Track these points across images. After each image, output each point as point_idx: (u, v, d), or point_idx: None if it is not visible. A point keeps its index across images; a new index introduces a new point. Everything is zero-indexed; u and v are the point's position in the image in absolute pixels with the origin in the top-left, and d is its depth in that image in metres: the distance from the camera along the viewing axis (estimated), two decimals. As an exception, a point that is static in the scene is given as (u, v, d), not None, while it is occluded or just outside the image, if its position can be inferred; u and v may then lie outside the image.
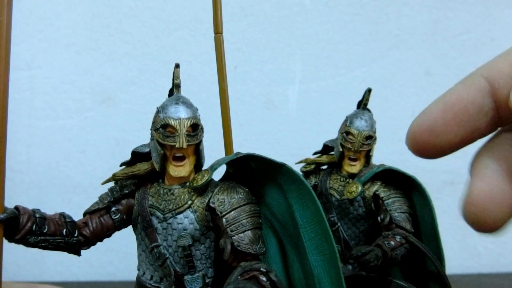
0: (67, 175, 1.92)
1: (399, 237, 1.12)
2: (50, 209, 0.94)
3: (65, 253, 0.93)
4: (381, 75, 2.01)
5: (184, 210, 0.90)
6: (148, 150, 0.94)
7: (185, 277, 0.89)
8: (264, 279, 0.80)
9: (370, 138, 1.22)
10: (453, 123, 0.34)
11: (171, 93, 0.95)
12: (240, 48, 1.94)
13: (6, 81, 0.81)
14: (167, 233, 0.90)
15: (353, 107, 1.29)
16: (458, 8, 2.00)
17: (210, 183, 0.92)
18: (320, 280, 0.89)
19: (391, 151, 2.00)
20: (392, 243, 1.11)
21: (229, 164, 0.98)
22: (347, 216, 1.25)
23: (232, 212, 0.87)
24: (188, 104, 0.91)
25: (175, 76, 0.93)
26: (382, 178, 1.23)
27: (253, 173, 0.96)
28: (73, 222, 0.92)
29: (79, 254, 0.95)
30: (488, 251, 2.10)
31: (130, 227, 0.98)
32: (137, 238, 0.96)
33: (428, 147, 0.36)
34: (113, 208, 0.95)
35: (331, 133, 1.32)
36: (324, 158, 1.32)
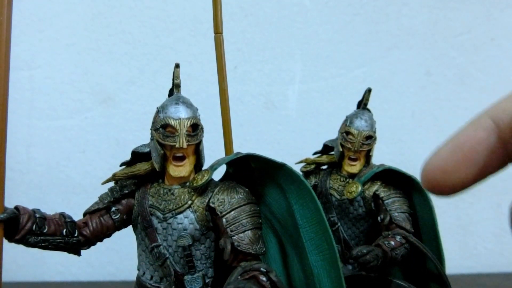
0: (67, 175, 1.92)
1: (399, 237, 1.12)
2: (50, 209, 0.94)
3: (65, 253, 0.93)
4: (381, 75, 2.01)
5: (184, 210, 0.90)
6: (148, 150, 0.94)
7: (185, 277, 0.89)
8: (264, 279, 0.80)
9: (370, 138, 1.22)
10: (463, 163, 0.37)
11: (171, 93, 0.95)
12: (240, 48, 1.94)
13: (6, 81, 0.81)
14: (167, 233, 0.90)
15: (353, 107, 1.29)
16: (458, 8, 2.00)
17: (210, 183, 0.92)
18: (320, 280, 0.89)
19: (391, 151, 2.00)
20: (392, 243, 1.11)
21: (229, 164, 0.98)
22: (347, 216, 1.25)
23: (232, 212, 0.87)
24: (188, 104, 0.91)
25: (175, 76, 0.93)
26: (382, 178, 1.22)
27: (253, 173, 0.96)
28: (73, 222, 0.92)
29: (79, 254, 0.95)
30: (488, 251, 2.10)
31: (130, 227, 0.98)
32: (137, 238, 0.96)
33: (442, 186, 0.38)
34: (113, 208, 0.95)
35: (331, 133, 1.32)
36: (324, 158, 1.32)
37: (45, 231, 0.87)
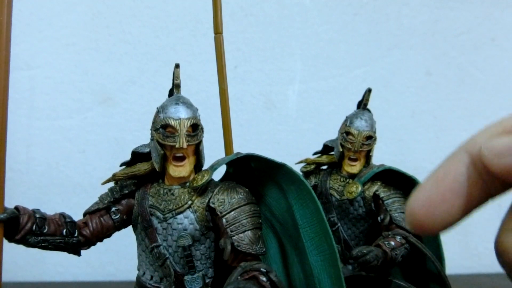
0: (67, 175, 1.92)
1: (399, 237, 1.12)
2: (50, 209, 0.94)
3: (65, 253, 0.93)
4: (381, 75, 2.01)
5: (184, 210, 0.90)
6: (148, 150, 0.94)
7: (185, 277, 0.89)
8: (264, 279, 0.80)
9: (370, 138, 1.22)
10: (447, 193, 0.37)
11: (171, 93, 0.95)
12: (240, 48, 1.94)
13: (6, 81, 0.81)
14: (167, 233, 0.90)
15: (353, 107, 1.29)
16: (458, 8, 2.00)
17: (210, 183, 0.92)
18: (320, 280, 0.89)
19: (391, 151, 2.00)
20: (392, 243, 1.11)
21: (229, 164, 0.98)
22: (347, 216, 1.25)
23: (232, 212, 0.87)
24: (188, 104, 0.91)
25: (175, 76, 0.93)
26: (382, 178, 1.22)
27: (253, 173, 0.96)
28: (73, 222, 0.92)
29: (79, 254, 0.95)
30: (488, 251, 2.09)
31: (130, 227, 0.98)
32: (137, 238, 0.96)
33: (428, 222, 0.37)
34: (113, 208, 0.95)
35: (331, 133, 1.32)
36: (324, 158, 1.32)
37: (45, 231, 0.87)
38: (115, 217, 0.95)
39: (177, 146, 0.87)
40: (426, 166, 1.92)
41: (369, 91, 1.25)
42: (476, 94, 2.02)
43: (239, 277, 0.80)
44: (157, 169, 0.92)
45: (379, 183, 1.23)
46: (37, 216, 0.87)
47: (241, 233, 0.86)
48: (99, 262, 1.94)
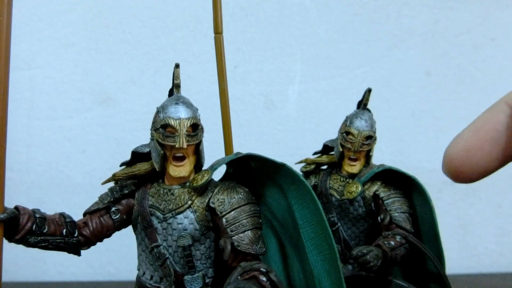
0: (67, 175, 1.92)
1: (399, 237, 1.12)
2: (50, 209, 0.94)
3: (65, 253, 0.93)
4: (381, 75, 2.01)
5: (184, 210, 0.90)
6: (148, 150, 0.94)
7: (185, 277, 0.89)
8: (264, 279, 0.80)
9: (370, 138, 1.22)
10: (486, 141, 0.37)
11: (171, 93, 0.95)
12: (240, 48, 1.94)
13: (6, 81, 0.81)
14: (167, 233, 0.90)
15: (353, 107, 1.29)
16: (458, 8, 2.00)
17: (210, 183, 0.92)
18: (320, 280, 0.89)
19: (391, 151, 2.00)
20: (392, 243, 1.11)
21: (229, 164, 0.98)
22: (347, 216, 1.25)
23: (232, 212, 0.87)
24: (188, 104, 0.91)
25: (175, 76, 0.93)
26: (382, 178, 1.22)
27: (253, 173, 0.96)
28: (73, 222, 0.92)
29: (79, 254, 0.95)
30: (488, 251, 2.10)
31: (130, 227, 0.98)
32: (137, 238, 0.96)
33: (465, 168, 0.38)
34: (113, 208, 0.95)
35: (331, 133, 1.32)
36: (324, 158, 1.32)
37: (45, 231, 0.87)
38: (115, 217, 0.95)
39: (177, 146, 0.87)
40: (426, 166, 1.94)
41: (369, 91, 1.25)
42: (476, 94, 2.02)
43: (239, 277, 0.80)
44: (157, 169, 0.92)
45: (379, 183, 1.23)
46: (37, 216, 0.87)
47: (241, 233, 0.86)
48: (99, 262, 1.94)
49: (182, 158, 0.90)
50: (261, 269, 0.82)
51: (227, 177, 1.00)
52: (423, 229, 1.21)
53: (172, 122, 0.87)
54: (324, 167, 1.35)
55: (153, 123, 0.92)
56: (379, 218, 1.20)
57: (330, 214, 1.26)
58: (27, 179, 1.91)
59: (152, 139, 0.92)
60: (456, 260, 2.02)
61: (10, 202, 0.85)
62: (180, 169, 0.90)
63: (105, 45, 1.89)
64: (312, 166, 1.33)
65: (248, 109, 1.96)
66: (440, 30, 2.01)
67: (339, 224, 1.26)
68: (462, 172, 0.38)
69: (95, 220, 0.94)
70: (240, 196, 0.89)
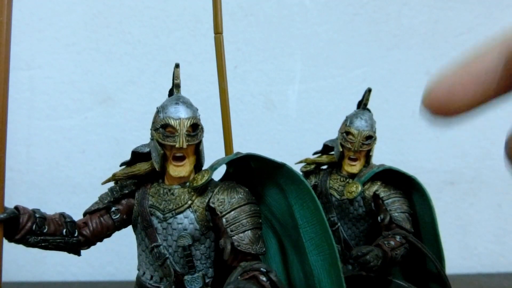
0: (67, 175, 1.92)
1: (399, 237, 1.12)
2: (50, 209, 0.94)
3: (65, 253, 0.93)
4: (381, 75, 2.01)
5: (184, 210, 0.90)
6: (148, 150, 0.94)
7: (185, 277, 0.89)
8: (264, 279, 0.80)
9: (370, 138, 1.22)
10: (472, 81, 0.36)
11: (171, 93, 0.95)
12: (240, 48, 1.94)
13: (6, 81, 0.81)
14: (167, 233, 0.90)
15: (353, 107, 1.29)
16: (458, 8, 2.00)
17: (210, 183, 0.92)
18: (320, 280, 0.89)
19: (391, 151, 2.00)
20: (392, 243, 1.11)
21: (229, 164, 0.98)
22: (347, 216, 1.25)
23: (232, 212, 0.87)
24: (188, 104, 0.91)
25: (175, 76, 0.93)
26: (382, 178, 1.22)
27: (253, 173, 0.96)
28: (73, 222, 0.92)
29: (79, 254, 0.95)
30: (488, 251, 2.10)
31: (130, 227, 0.98)
32: (137, 238, 0.96)
33: (445, 104, 0.37)
34: (113, 208, 0.95)
35: (331, 133, 1.32)
36: (324, 158, 1.32)
37: (45, 231, 0.87)
38: (115, 217, 0.95)
39: (177, 146, 0.87)
40: (426, 166, 1.94)
41: (369, 91, 1.25)
42: (476, 94, 2.02)
43: (239, 277, 0.80)
44: (157, 169, 0.92)
45: (379, 183, 1.23)
46: (37, 216, 0.87)
47: (241, 233, 0.86)
48: (99, 262, 1.94)
49: (182, 158, 0.90)
50: (261, 269, 0.82)
51: (227, 177, 1.00)
52: (423, 229, 1.21)
53: (172, 122, 0.87)
54: (324, 167, 1.35)
55: (153, 123, 0.92)
56: (379, 218, 1.20)
57: (330, 214, 1.26)
58: (27, 179, 1.91)
59: (152, 139, 0.92)
60: (456, 260, 2.02)
61: (10, 202, 0.85)
62: (180, 169, 0.90)
63: (105, 45, 1.89)
64: (312, 166, 1.33)
65: (248, 109, 1.96)
66: (440, 30, 2.01)
67: (339, 224, 1.26)
68: (441, 108, 0.37)
69: (95, 220, 0.94)
70: (240, 196, 0.89)
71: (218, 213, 0.88)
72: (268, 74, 1.97)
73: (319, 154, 1.35)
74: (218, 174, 0.95)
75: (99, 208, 0.94)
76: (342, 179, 1.27)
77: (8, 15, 0.80)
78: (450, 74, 0.38)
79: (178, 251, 0.90)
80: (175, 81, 0.93)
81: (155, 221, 0.92)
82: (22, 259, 1.90)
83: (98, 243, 0.96)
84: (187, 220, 0.90)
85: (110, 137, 1.92)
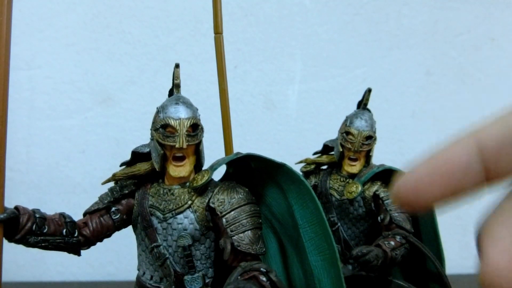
0: (67, 175, 1.92)
1: (399, 237, 1.12)
2: (50, 209, 0.94)
3: (65, 253, 0.93)
4: (381, 75, 2.01)
5: (184, 210, 0.90)
6: (148, 150, 0.94)
7: (185, 277, 0.89)
8: (264, 279, 0.80)
9: (370, 138, 1.22)
10: (438, 184, 0.36)
11: (171, 93, 0.95)
12: (240, 48, 1.94)
13: (6, 81, 0.81)
14: (167, 233, 0.90)
15: (353, 107, 1.29)
16: (458, 8, 2.00)
17: (210, 183, 0.92)
18: (320, 280, 0.89)
19: (391, 151, 2.00)
20: (392, 243, 1.11)
21: (229, 164, 0.98)
22: (347, 216, 1.25)
23: (232, 212, 0.87)
24: (188, 104, 0.91)
25: (175, 76, 0.93)
26: (382, 178, 1.22)
27: (253, 173, 0.96)
28: (73, 222, 0.92)
29: (79, 254, 0.95)
30: (488, 251, 2.09)
31: (130, 227, 0.98)
32: (137, 238, 0.96)
33: (411, 204, 0.37)
34: (113, 208, 0.95)
35: (331, 133, 1.32)
36: (324, 158, 1.32)
37: (45, 231, 0.87)
38: (115, 217, 0.95)
39: (177, 146, 0.87)
40: (426, 166, 1.92)
41: (369, 91, 1.25)
42: (476, 94, 2.02)
43: (239, 277, 0.80)
44: (157, 169, 0.92)
45: (379, 183, 1.23)
46: (37, 216, 0.87)
47: (241, 233, 0.86)
48: (99, 262, 1.94)
49: (182, 158, 0.90)
50: (261, 269, 0.82)
51: (227, 177, 1.00)
52: (423, 229, 1.21)
53: (172, 122, 0.87)
54: (324, 167, 1.35)
55: (153, 123, 0.92)
56: (379, 218, 1.20)
57: (330, 214, 1.26)
58: (27, 179, 1.91)
59: (152, 139, 0.92)
60: (456, 260, 2.02)
61: (10, 202, 0.85)
62: (180, 169, 0.90)
63: (105, 45, 1.89)
64: (312, 166, 1.33)
65: (248, 109, 1.96)
66: (440, 30, 2.01)
67: (339, 224, 1.26)
68: (409, 201, 0.37)
69: (95, 220, 0.94)
70: (240, 196, 0.89)
71: (218, 213, 0.88)
72: (268, 74, 1.97)
73: (319, 154, 1.35)
74: (218, 174, 0.95)
75: (99, 208, 0.94)
76: (342, 179, 1.27)
77: (8, 15, 0.80)
78: (419, 171, 0.37)
79: (178, 251, 0.90)
80: (175, 81, 0.93)
81: (155, 221, 0.92)
82: (22, 259, 1.90)
83: (98, 243, 0.96)
84: (187, 220, 0.90)
85: (110, 137, 1.92)
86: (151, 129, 0.93)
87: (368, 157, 1.25)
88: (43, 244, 0.88)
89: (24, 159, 1.90)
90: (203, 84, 1.81)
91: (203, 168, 0.94)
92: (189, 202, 0.90)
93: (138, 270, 0.97)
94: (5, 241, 0.84)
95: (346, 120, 1.26)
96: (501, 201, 0.38)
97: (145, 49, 1.91)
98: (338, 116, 1.31)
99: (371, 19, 1.98)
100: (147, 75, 1.91)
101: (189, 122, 0.88)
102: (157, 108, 0.92)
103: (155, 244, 0.91)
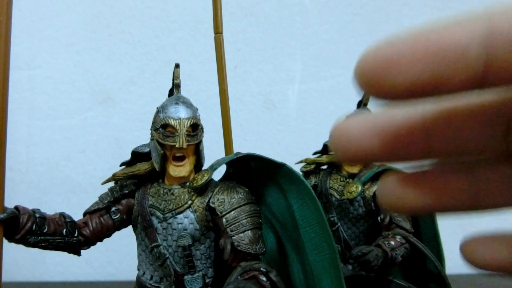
0: (67, 175, 1.92)
1: (399, 237, 1.12)
2: (50, 209, 0.94)
3: (65, 253, 0.93)
4: (381, 75, 2.00)
5: (184, 210, 0.90)
6: (148, 150, 0.94)
7: (185, 277, 0.89)
8: (264, 279, 0.80)
9: (370, 138, 1.22)
10: (422, 63, 0.26)
11: (171, 93, 0.95)
12: (240, 48, 1.94)
13: (6, 81, 0.81)
14: (167, 233, 0.90)
15: (353, 107, 1.29)
16: (458, 8, 2.00)
17: (210, 183, 0.92)
18: (320, 280, 0.89)
19: (391, 151, 2.00)
20: (392, 243, 1.11)
21: (229, 164, 0.98)
22: (347, 216, 1.25)
23: (232, 212, 0.87)
24: (188, 104, 0.91)
25: (175, 76, 0.93)
26: (382, 178, 1.22)
27: (253, 173, 0.96)
28: (73, 222, 0.92)
29: (79, 254, 0.95)
30: (488, 251, 2.09)
31: (130, 227, 0.98)
32: (137, 238, 0.96)
33: (378, 79, 0.28)
34: (113, 208, 0.95)
35: (331, 133, 1.32)
36: (324, 158, 1.32)
37: (45, 231, 0.87)
38: (115, 217, 0.95)
39: (177, 146, 0.87)
40: (426, 166, 1.92)
41: (369, 91, 1.25)
42: (476, 94, 2.02)
43: (239, 277, 0.80)
44: (157, 169, 0.92)
45: (379, 183, 1.22)
46: (37, 216, 0.87)
47: (241, 233, 0.86)
48: (99, 262, 1.94)
49: (182, 158, 0.90)
50: (261, 269, 0.82)
51: (227, 177, 1.00)
52: (423, 229, 1.21)
53: (172, 122, 0.88)
54: (324, 167, 1.35)
55: (153, 123, 0.92)
56: (379, 218, 1.20)
57: (330, 214, 1.26)
58: (27, 179, 1.91)
59: (152, 139, 0.92)
60: (456, 260, 2.01)
61: (10, 202, 0.85)
62: (180, 169, 0.90)
63: (105, 45, 1.89)
64: (312, 166, 1.33)
65: (248, 109, 1.96)
66: (440, 30, 2.01)
67: (339, 224, 1.26)
68: (372, 82, 0.28)
69: (95, 220, 0.94)
70: (240, 196, 0.90)
71: (218, 213, 0.88)
72: (268, 74, 1.97)
73: (319, 154, 1.35)
74: (218, 174, 0.95)
75: (99, 208, 0.94)
76: (342, 179, 1.27)
77: (8, 15, 0.80)
78: (397, 40, 0.28)
79: (178, 251, 0.90)
80: (175, 81, 0.93)
81: (155, 221, 0.92)
82: (22, 259, 1.90)
83: (98, 243, 0.96)
84: (187, 220, 0.90)
85: (110, 137, 1.92)
86: (151, 129, 0.93)
87: (368, 157, 1.25)
88: (43, 244, 0.88)
89: (24, 159, 1.90)
90: (203, 84, 1.81)
91: (203, 168, 0.94)
92: (189, 202, 0.90)
93: (138, 270, 0.97)
94: (5, 241, 0.84)
95: (346, 120, 1.25)
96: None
97: (145, 49, 1.91)
98: (338, 116, 1.31)
99: (371, 19, 1.98)
100: (147, 75, 1.91)
101: (189, 122, 0.88)
102: (157, 108, 0.92)
103: (155, 244, 0.91)
